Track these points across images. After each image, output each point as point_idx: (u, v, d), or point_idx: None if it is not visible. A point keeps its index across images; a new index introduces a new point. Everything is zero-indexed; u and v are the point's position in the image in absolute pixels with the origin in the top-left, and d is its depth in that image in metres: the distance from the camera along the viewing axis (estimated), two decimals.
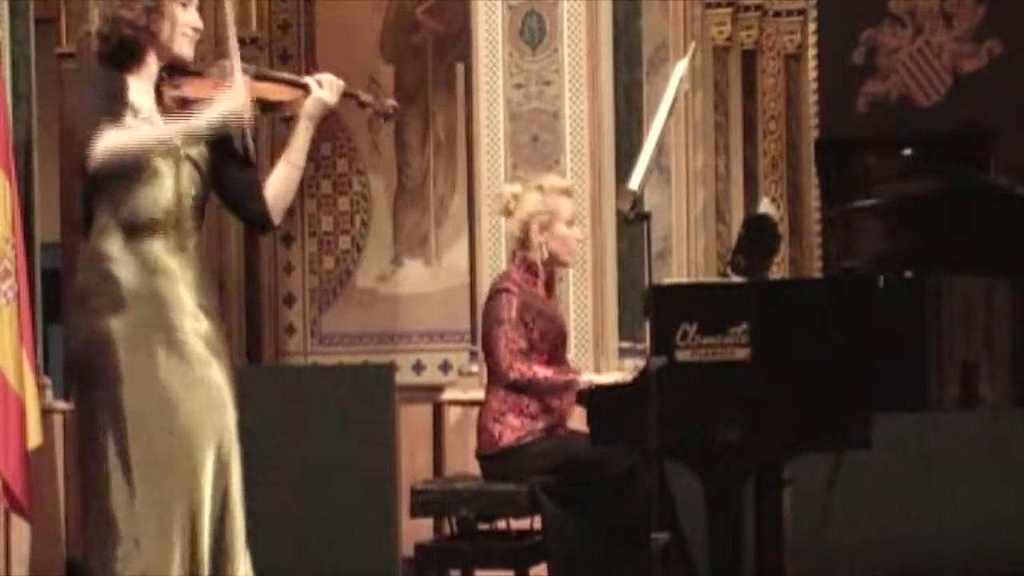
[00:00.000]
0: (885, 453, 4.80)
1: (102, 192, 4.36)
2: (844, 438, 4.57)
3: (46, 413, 7.41)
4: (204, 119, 4.27)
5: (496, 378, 5.54)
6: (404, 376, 7.96)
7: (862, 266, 4.91)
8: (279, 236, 8.42)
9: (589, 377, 5.50)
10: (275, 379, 7.41)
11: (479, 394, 6.49)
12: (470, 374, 7.19)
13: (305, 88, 4.47)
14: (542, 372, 5.46)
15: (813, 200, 7.61)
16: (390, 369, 7.26)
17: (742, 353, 4.52)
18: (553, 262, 5.63)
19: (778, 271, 6.98)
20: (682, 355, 4.56)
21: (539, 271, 5.60)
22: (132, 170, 4.28)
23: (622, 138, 7.07)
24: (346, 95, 4.49)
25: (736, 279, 5.05)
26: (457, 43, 7.85)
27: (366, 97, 4.59)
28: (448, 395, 7.31)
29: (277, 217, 4.45)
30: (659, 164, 7.04)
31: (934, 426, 5.89)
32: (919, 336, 4.49)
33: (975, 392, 4.63)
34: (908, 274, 4.54)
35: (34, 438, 7.09)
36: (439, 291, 8.18)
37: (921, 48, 7.60)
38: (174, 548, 4.21)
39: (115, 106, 4.28)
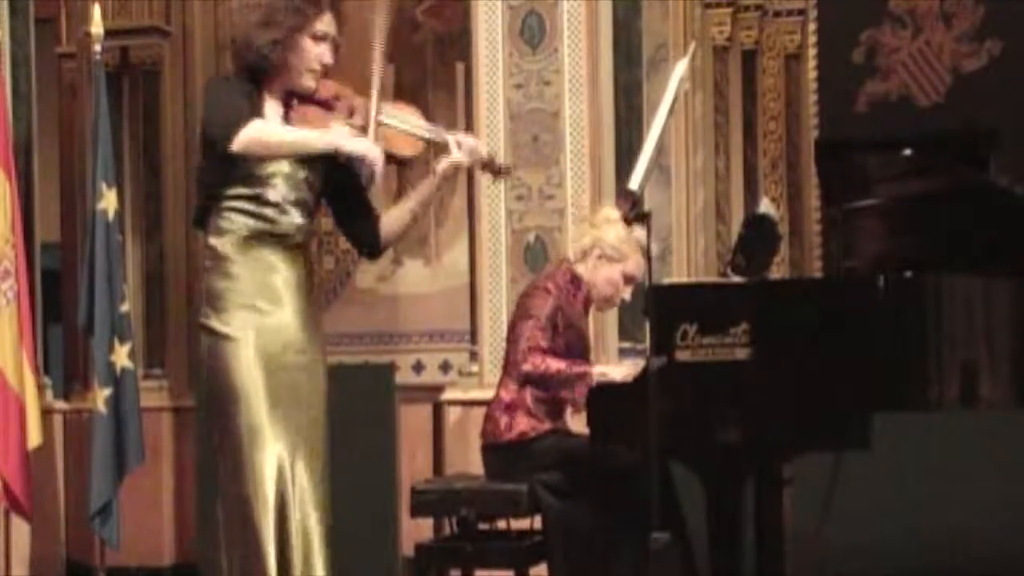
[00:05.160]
0: (885, 453, 4.80)
1: (225, 196, 4.47)
2: (844, 438, 4.57)
3: (46, 413, 7.41)
4: (340, 142, 4.41)
5: (511, 368, 5.54)
6: (404, 376, 7.96)
7: (862, 266, 4.91)
8: None
9: (602, 369, 5.48)
10: None
11: (479, 394, 6.50)
12: (470, 374, 7.18)
13: (440, 144, 4.53)
14: (555, 365, 5.46)
15: (813, 200, 7.61)
16: (390, 369, 7.26)
17: (742, 353, 4.52)
18: (588, 292, 5.63)
19: (778, 271, 6.98)
20: (682, 355, 4.56)
21: (583, 287, 5.61)
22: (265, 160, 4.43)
23: (622, 138, 7.07)
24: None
25: (736, 279, 5.05)
26: (457, 43, 7.85)
27: (488, 160, 4.71)
28: (448, 395, 7.31)
29: (386, 249, 4.73)
30: (659, 164, 7.04)
31: (934, 426, 5.89)
32: (919, 336, 4.49)
33: (975, 392, 4.63)
34: (908, 274, 4.54)
35: (34, 438, 7.09)
36: (439, 291, 8.18)
37: (921, 48, 7.60)
38: (268, 552, 4.41)
39: (252, 106, 4.41)
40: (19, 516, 7.20)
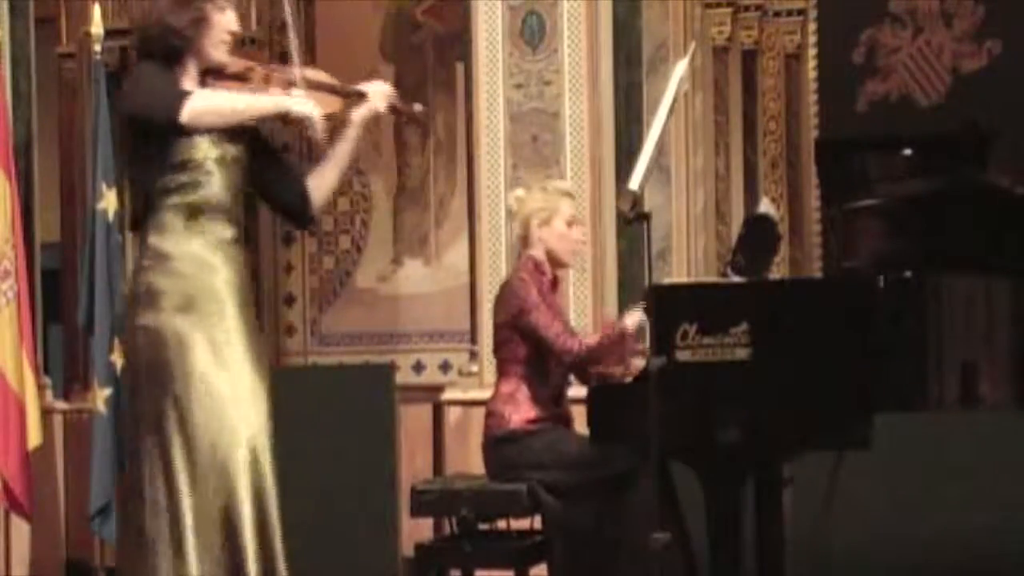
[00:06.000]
0: (885, 453, 4.80)
1: (161, 191, 4.41)
2: (844, 438, 4.57)
3: (46, 413, 7.41)
4: (287, 104, 4.38)
5: (506, 365, 5.56)
6: (404, 376, 7.96)
7: (862, 266, 4.91)
8: (279, 236, 8.42)
9: (626, 322, 5.46)
10: (275, 379, 7.38)
11: (479, 394, 6.49)
12: (470, 374, 7.19)
13: (355, 96, 4.53)
14: (593, 340, 5.50)
15: (813, 200, 7.60)
16: (390, 369, 7.26)
17: (742, 353, 4.52)
18: (553, 261, 5.65)
19: (778, 271, 6.98)
20: (682, 355, 4.56)
21: (546, 270, 5.63)
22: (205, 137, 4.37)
23: (622, 138, 7.07)
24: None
25: (736, 279, 5.06)
26: (457, 43, 7.85)
27: (401, 104, 4.67)
28: (448, 395, 7.31)
29: (318, 213, 4.66)
30: (659, 164, 7.04)
31: (934, 426, 5.89)
32: (919, 336, 4.49)
33: (975, 392, 4.63)
34: (908, 274, 4.54)
35: (34, 438, 7.10)
36: (439, 291, 8.18)
37: (921, 48, 7.60)
38: (213, 547, 4.28)
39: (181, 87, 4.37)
40: (19, 516, 7.20)
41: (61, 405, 8.04)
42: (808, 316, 4.57)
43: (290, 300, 8.49)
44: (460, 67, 7.86)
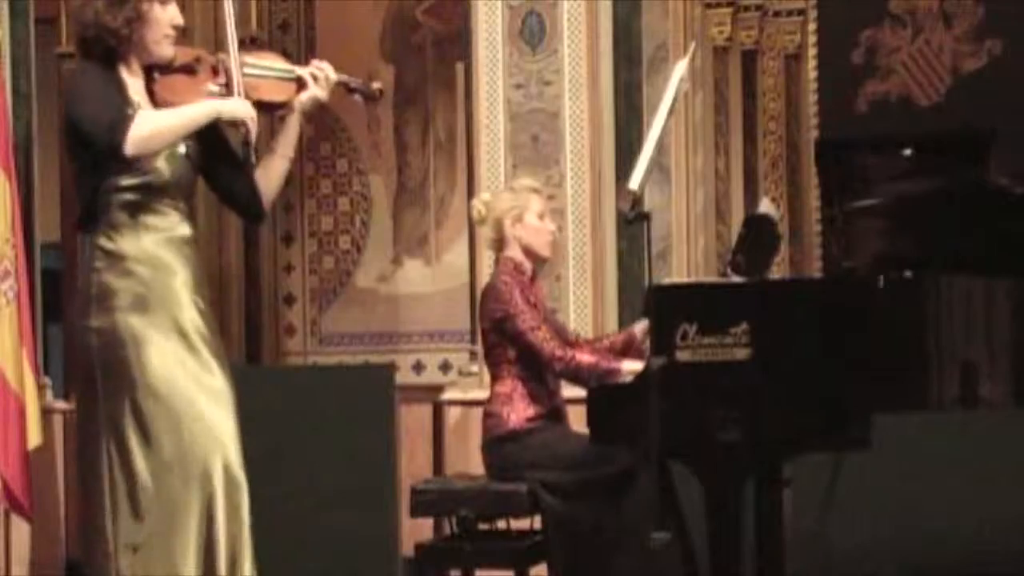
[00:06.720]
0: (885, 453, 4.80)
1: (111, 190, 4.32)
2: (844, 438, 4.57)
3: (46, 413, 7.41)
4: (218, 108, 4.32)
5: (498, 368, 5.56)
6: (404, 376, 7.96)
7: (862, 266, 4.91)
8: (279, 236, 8.42)
9: (630, 367, 5.36)
10: (275, 379, 7.40)
11: (479, 394, 6.49)
12: (470, 374, 7.19)
13: (298, 81, 4.49)
14: (585, 359, 5.45)
15: (813, 200, 7.60)
16: (390, 369, 7.26)
17: (742, 353, 4.52)
18: (531, 257, 5.65)
19: (778, 271, 6.98)
20: (682, 355, 4.56)
21: (525, 269, 5.63)
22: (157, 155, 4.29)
23: (622, 138, 7.07)
24: (336, 84, 4.54)
25: (736, 279, 5.06)
26: (457, 43, 7.85)
27: (354, 83, 4.63)
28: (448, 395, 7.31)
29: (268, 207, 4.55)
30: (659, 164, 7.03)
31: (934, 426, 5.89)
32: (919, 336, 4.49)
33: (975, 392, 4.63)
34: (908, 274, 4.54)
35: (34, 438, 7.09)
36: (439, 291, 8.18)
37: (921, 48, 7.60)
38: (188, 551, 4.23)
39: (123, 95, 4.30)
40: (19, 516, 7.20)
41: (61, 405, 8.03)
42: (808, 316, 4.57)
43: (290, 300, 8.48)
44: (460, 67, 7.86)
